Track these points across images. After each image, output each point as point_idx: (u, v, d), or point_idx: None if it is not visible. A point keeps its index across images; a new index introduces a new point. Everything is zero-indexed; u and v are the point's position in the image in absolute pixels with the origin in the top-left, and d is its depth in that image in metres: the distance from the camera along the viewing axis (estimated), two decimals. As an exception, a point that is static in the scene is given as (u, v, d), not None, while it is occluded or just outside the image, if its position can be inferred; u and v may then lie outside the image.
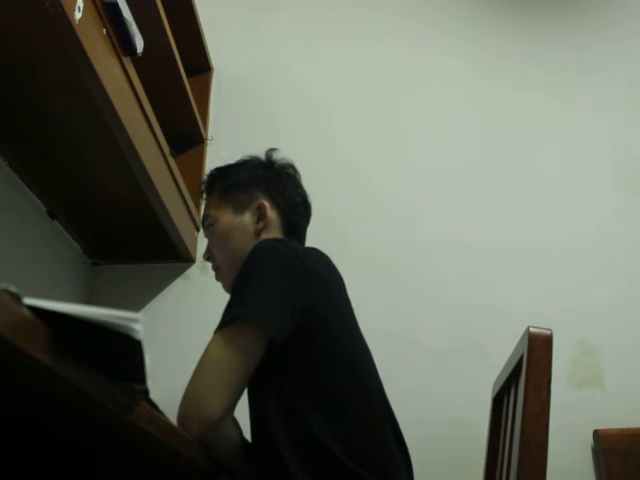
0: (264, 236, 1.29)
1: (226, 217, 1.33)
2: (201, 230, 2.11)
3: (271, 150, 1.41)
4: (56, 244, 1.86)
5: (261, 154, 1.41)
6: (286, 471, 1.04)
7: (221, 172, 1.40)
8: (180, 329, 2.02)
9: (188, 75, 2.03)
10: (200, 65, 2.30)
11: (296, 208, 1.36)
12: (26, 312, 0.52)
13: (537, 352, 1.09)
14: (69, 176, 1.69)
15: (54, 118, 1.47)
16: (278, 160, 1.41)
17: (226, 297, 1.13)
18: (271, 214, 1.32)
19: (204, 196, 1.42)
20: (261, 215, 1.32)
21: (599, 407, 1.98)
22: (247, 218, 1.32)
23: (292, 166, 1.41)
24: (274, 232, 1.31)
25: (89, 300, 2.03)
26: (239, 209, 1.33)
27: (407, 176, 2.27)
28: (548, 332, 1.11)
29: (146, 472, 0.95)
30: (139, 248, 2.06)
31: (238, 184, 1.35)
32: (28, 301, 0.52)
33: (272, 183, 1.36)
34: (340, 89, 2.37)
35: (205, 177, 1.44)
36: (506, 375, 1.30)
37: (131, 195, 1.71)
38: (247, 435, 1.15)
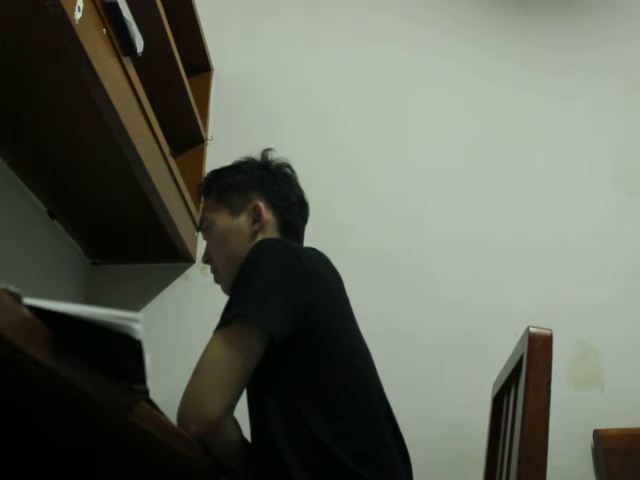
0: (261, 237, 1.29)
1: (222, 220, 1.33)
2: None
3: (267, 150, 1.41)
4: (56, 244, 1.86)
5: (258, 155, 1.41)
6: (286, 471, 1.04)
7: (217, 174, 1.40)
8: (180, 329, 2.02)
9: (188, 75, 2.03)
10: (200, 65, 2.30)
11: (293, 207, 1.36)
12: (26, 312, 0.52)
13: (537, 352, 1.09)
14: (69, 176, 1.69)
15: (54, 118, 1.47)
16: (274, 160, 1.41)
17: (226, 297, 1.14)
18: (267, 215, 1.32)
19: (201, 198, 1.42)
20: (257, 216, 1.31)
21: (599, 407, 1.98)
22: (243, 220, 1.32)
23: (288, 165, 1.41)
24: (271, 233, 1.31)
25: (89, 300, 2.03)
26: (235, 211, 1.33)
27: (407, 176, 2.27)
28: (548, 332, 1.11)
29: (146, 472, 0.95)
30: (139, 248, 2.06)
31: (234, 186, 1.35)
32: (28, 301, 0.52)
33: (268, 183, 1.36)
34: (340, 89, 2.37)
35: (202, 180, 1.44)
36: (506, 375, 1.30)
37: (131, 195, 1.71)
38: (247, 435, 1.15)
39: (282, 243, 1.20)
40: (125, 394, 0.67)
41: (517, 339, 1.23)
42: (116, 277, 2.09)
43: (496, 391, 1.44)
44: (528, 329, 1.12)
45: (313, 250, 1.24)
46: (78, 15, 1.13)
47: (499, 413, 1.40)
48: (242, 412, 1.11)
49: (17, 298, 0.51)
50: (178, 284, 2.11)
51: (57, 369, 0.55)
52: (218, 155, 2.10)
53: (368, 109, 2.34)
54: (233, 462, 1.09)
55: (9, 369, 0.54)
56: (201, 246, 2.11)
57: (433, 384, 2.00)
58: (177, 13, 1.97)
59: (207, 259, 1.37)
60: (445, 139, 2.32)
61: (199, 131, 2.18)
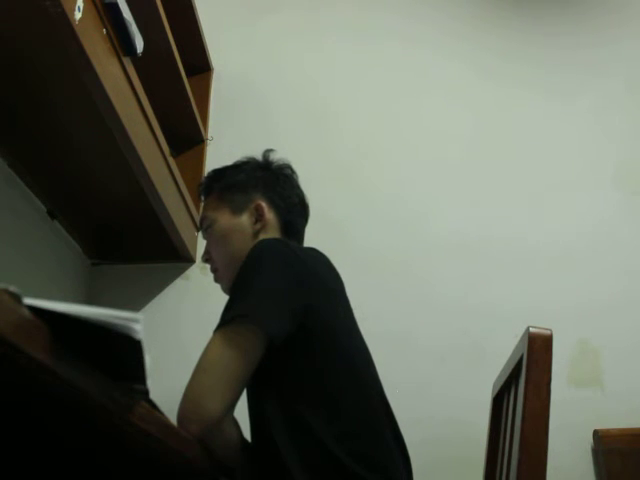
0: (262, 237, 1.29)
1: (224, 218, 1.33)
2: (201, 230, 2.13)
3: (268, 151, 1.41)
4: (56, 244, 1.86)
5: (259, 155, 1.41)
6: (286, 470, 1.04)
7: (219, 173, 1.40)
8: (180, 329, 2.02)
9: (188, 75, 2.03)
10: (200, 65, 2.30)
11: (294, 208, 1.37)
12: (26, 312, 0.52)
13: (537, 352, 1.09)
14: (69, 176, 1.69)
15: (54, 118, 1.47)
16: (275, 161, 1.41)
17: (226, 298, 1.14)
18: (269, 215, 1.32)
19: (202, 198, 1.42)
20: (259, 216, 1.32)
21: (599, 407, 1.98)
22: (245, 219, 1.32)
23: (289, 167, 1.41)
24: (272, 233, 1.31)
25: (89, 300, 2.03)
26: (237, 210, 1.33)
27: (408, 176, 2.27)
28: (548, 332, 1.11)
29: (146, 472, 0.95)
30: (139, 248, 2.06)
31: (236, 185, 1.35)
32: (28, 301, 0.52)
33: (269, 184, 1.36)
34: (340, 89, 2.37)
35: (203, 179, 1.44)
36: (506, 375, 1.30)
37: (131, 195, 1.71)
38: (247, 435, 1.15)
39: (282, 243, 1.20)
40: (125, 394, 0.67)
41: (517, 339, 1.23)
42: (116, 277, 2.09)
43: (496, 391, 1.44)
44: (528, 329, 1.12)
45: (313, 250, 1.25)
46: (78, 15, 1.13)
47: (499, 413, 1.40)
48: (242, 412, 1.11)
49: (17, 298, 0.51)
50: (178, 284, 2.11)
51: (57, 369, 0.55)
52: (218, 155, 2.10)
53: (369, 108, 2.34)
54: (233, 462, 1.09)
55: (9, 369, 0.54)
56: (201, 246, 2.11)
57: (433, 384, 2.00)
58: (177, 13, 1.97)
59: (207, 258, 1.37)
60: (446, 138, 2.32)
61: (199, 131, 2.18)
